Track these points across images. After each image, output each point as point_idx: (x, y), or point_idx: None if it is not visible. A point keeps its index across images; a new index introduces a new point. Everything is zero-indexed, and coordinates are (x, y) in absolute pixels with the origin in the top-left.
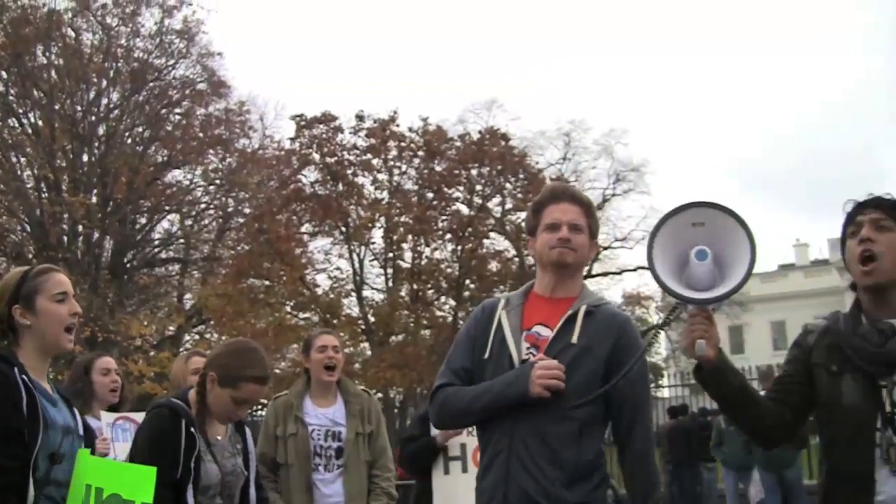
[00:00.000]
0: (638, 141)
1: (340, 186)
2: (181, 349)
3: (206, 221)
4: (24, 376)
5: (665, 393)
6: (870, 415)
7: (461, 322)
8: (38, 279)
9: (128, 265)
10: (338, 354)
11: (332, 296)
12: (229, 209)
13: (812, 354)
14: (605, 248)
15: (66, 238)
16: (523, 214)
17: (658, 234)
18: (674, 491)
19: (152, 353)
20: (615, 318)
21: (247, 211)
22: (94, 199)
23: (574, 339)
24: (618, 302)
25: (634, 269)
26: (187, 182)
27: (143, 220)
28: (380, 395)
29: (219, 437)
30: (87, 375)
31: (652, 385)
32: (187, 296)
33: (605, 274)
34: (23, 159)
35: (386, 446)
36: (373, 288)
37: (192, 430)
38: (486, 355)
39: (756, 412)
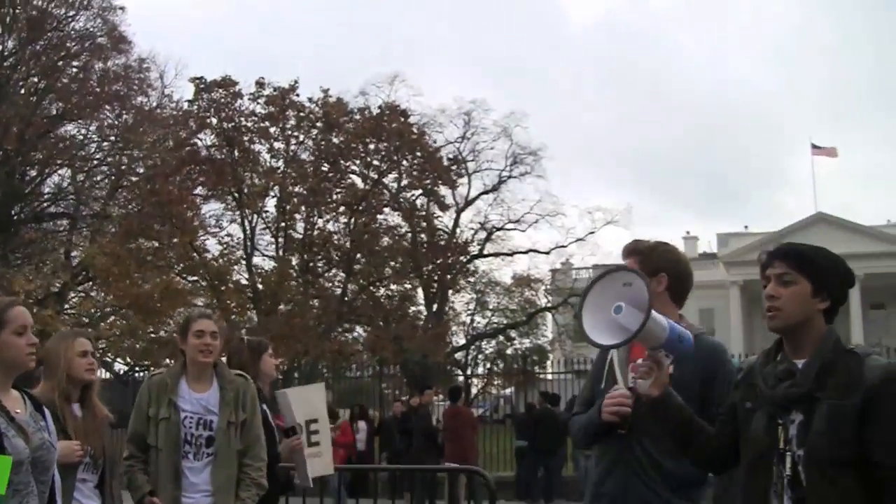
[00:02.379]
0: (537, 125)
1: (236, 152)
2: (66, 307)
3: (99, 178)
4: None
5: (549, 377)
6: (769, 450)
7: (349, 295)
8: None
9: (14, 218)
10: (215, 341)
11: (221, 261)
12: (122, 167)
13: (734, 392)
14: (499, 230)
15: None
16: (418, 192)
17: (594, 288)
18: (540, 476)
19: (35, 311)
20: (707, 348)
21: (140, 170)
22: None
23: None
24: (507, 283)
25: (526, 252)
26: (81, 137)
27: (34, 173)
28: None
29: (18, 411)
30: None
31: (536, 368)
32: (74, 253)
33: (496, 255)
34: None
35: (259, 434)
36: (264, 255)
37: None
38: (602, 385)
39: (698, 444)
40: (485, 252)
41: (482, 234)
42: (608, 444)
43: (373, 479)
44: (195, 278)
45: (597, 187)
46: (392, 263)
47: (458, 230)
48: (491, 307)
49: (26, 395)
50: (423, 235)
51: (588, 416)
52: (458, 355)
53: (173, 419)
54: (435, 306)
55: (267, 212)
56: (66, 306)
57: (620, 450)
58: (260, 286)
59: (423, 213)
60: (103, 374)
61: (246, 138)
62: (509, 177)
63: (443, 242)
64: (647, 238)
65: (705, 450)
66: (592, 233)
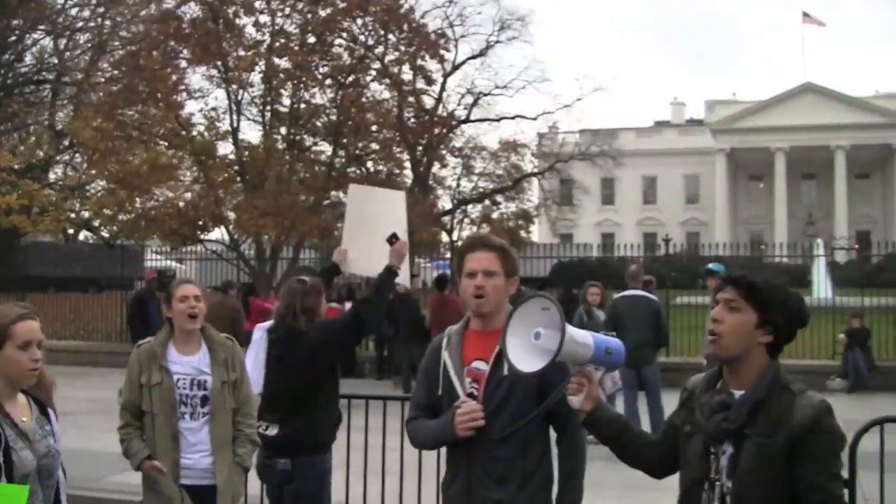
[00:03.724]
0: None
1: (221, 25)
2: (50, 176)
3: (81, 41)
4: None
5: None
6: (702, 476)
7: (336, 170)
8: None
9: None
10: (200, 303)
11: (207, 135)
12: (105, 32)
13: (676, 413)
14: (486, 95)
15: None
16: (406, 67)
17: (516, 313)
18: None
19: (20, 181)
20: None
21: (123, 34)
22: None
23: (506, 370)
24: (494, 148)
25: (512, 118)
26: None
27: (13, 39)
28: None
29: (24, 420)
30: None
31: (522, 231)
32: (58, 124)
33: (483, 120)
34: None
35: (249, 394)
36: (252, 120)
37: None
38: (440, 392)
39: (633, 451)
40: (471, 118)
41: (469, 100)
42: (456, 451)
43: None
44: (181, 153)
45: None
46: (377, 135)
47: (444, 94)
48: (477, 172)
49: (31, 398)
50: (408, 112)
51: (440, 427)
52: (444, 219)
53: (166, 383)
54: (417, 188)
55: (252, 86)
56: (52, 177)
57: (469, 457)
58: (246, 159)
59: (411, 88)
60: (90, 238)
61: (231, 10)
62: (497, 42)
63: (427, 117)
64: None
65: (641, 456)
66: (580, 99)
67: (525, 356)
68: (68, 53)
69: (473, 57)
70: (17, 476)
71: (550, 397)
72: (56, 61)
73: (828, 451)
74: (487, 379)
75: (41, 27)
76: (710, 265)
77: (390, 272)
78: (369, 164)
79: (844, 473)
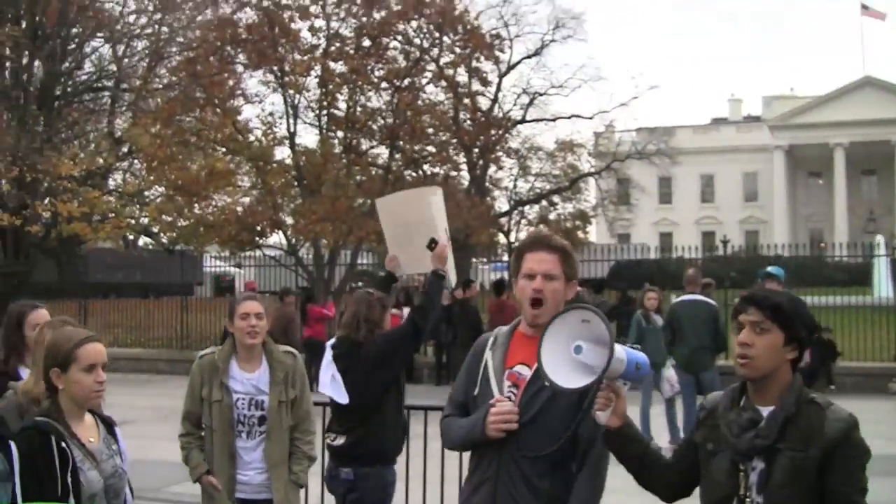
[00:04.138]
0: None
1: (277, 31)
2: (109, 183)
3: (139, 48)
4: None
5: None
6: (730, 495)
7: (392, 173)
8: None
9: (56, 101)
10: (261, 321)
11: (264, 141)
12: (162, 37)
13: (698, 432)
14: (541, 95)
15: None
16: (461, 69)
17: (552, 325)
18: None
19: (81, 188)
20: None
21: (180, 40)
22: (23, 25)
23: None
24: (550, 148)
25: (568, 117)
26: (119, 7)
27: (73, 47)
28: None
29: (92, 440)
30: (19, 329)
31: (580, 232)
32: (117, 133)
33: (538, 120)
34: None
35: (309, 410)
36: (308, 124)
37: (64, 444)
38: (476, 392)
39: (649, 476)
40: (527, 118)
41: (525, 100)
42: (484, 457)
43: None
44: (239, 159)
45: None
46: (433, 138)
47: (500, 95)
48: (534, 172)
49: (98, 418)
50: (463, 115)
51: (469, 425)
52: (501, 221)
53: (225, 401)
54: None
55: (308, 90)
56: (111, 184)
57: (497, 466)
58: (303, 164)
59: (466, 90)
60: (150, 245)
61: (286, 15)
62: (552, 41)
63: (483, 118)
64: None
65: (663, 478)
66: (636, 97)
67: (563, 371)
68: (126, 60)
69: (528, 56)
70: (84, 496)
71: (577, 417)
72: (114, 68)
73: (856, 464)
74: (527, 385)
75: (100, 35)
76: (769, 268)
77: (437, 276)
78: (426, 166)
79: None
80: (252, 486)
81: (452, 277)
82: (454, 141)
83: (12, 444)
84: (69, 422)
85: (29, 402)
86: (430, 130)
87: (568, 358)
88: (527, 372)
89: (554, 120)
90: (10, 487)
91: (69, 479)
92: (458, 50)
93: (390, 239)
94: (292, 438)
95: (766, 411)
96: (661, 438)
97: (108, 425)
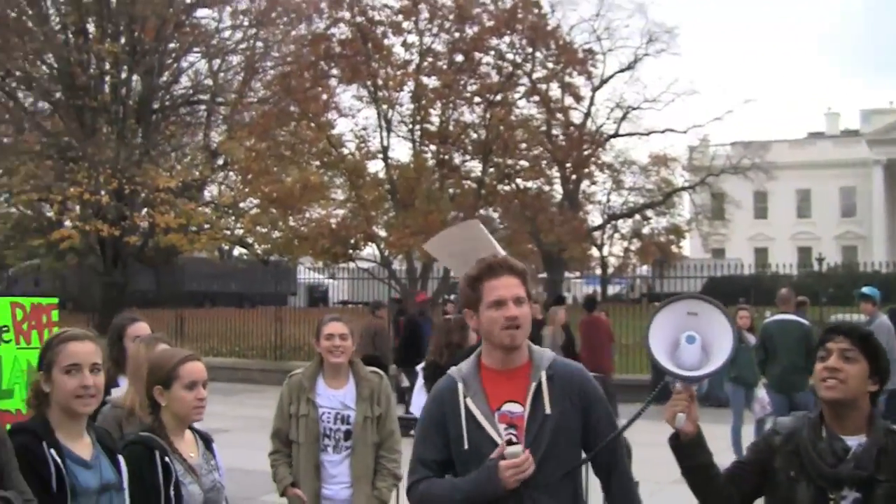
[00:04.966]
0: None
1: (370, 46)
2: (205, 194)
3: (234, 62)
4: (52, 449)
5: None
6: None
7: (485, 187)
8: (56, 349)
9: (154, 116)
10: (345, 342)
11: (358, 154)
12: (257, 52)
13: (775, 458)
14: (634, 109)
15: (93, 83)
16: (554, 84)
17: (657, 317)
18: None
19: (177, 200)
20: (573, 377)
21: (274, 54)
22: (122, 41)
23: (547, 409)
24: (643, 162)
25: (662, 131)
26: (215, 23)
27: (170, 62)
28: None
29: (192, 455)
30: (119, 341)
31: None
32: (213, 146)
33: (632, 134)
34: (50, 5)
35: (394, 429)
36: (402, 137)
37: (167, 458)
38: (466, 446)
39: (711, 489)
40: (620, 132)
41: (618, 114)
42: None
43: None
44: (332, 173)
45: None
46: (526, 153)
47: (592, 109)
48: (627, 186)
49: (197, 434)
50: (556, 130)
51: (472, 484)
52: (594, 235)
53: (312, 416)
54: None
55: (401, 105)
56: (207, 196)
57: None
58: (396, 178)
59: (559, 105)
60: (244, 255)
61: (379, 31)
62: (644, 55)
63: (576, 133)
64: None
65: (719, 494)
66: (731, 111)
67: (673, 363)
68: (222, 74)
69: (622, 70)
70: None
71: (610, 437)
72: (210, 82)
73: None
74: (528, 422)
75: (196, 50)
76: (864, 289)
77: None
78: (518, 180)
79: None
80: (337, 500)
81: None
82: (547, 155)
83: (121, 459)
84: (171, 437)
85: (126, 414)
86: (523, 145)
87: (675, 352)
88: (519, 409)
89: (647, 134)
90: (123, 497)
91: (172, 493)
92: (550, 65)
93: (454, 269)
94: (378, 456)
95: (849, 441)
96: None
97: (207, 441)
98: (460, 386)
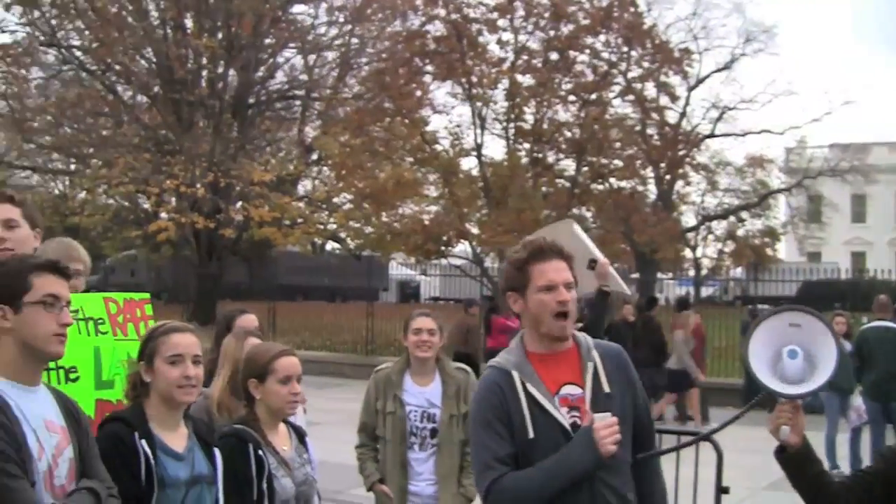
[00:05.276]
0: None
1: (465, 43)
2: (299, 189)
3: (329, 58)
4: (143, 440)
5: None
6: None
7: (578, 186)
8: (159, 339)
9: (250, 110)
10: (433, 337)
11: (451, 151)
12: (352, 48)
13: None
14: (730, 109)
15: (190, 78)
16: (650, 83)
17: (758, 329)
18: None
19: (272, 194)
20: (619, 357)
21: (370, 50)
22: (219, 36)
23: (606, 388)
24: (739, 163)
25: (759, 132)
26: (311, 19)
27: (265, 57)
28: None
29: (285, 448)
30: (227, 332)
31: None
32: (307, 141)
33: (727, 135)
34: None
35: None
36: (495, 135)
37: (260, 451)
38: (531, 435)
39: (831, 495)
40: (716, 132)
41: (713, 114)
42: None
43: None
44: (426, 169)
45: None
46: (620, 152)
47: (688, 109)
48: (722, 188)
49: (291, 428)
50: (651, 130)
51: (563, 462)
52: (688, 236)
53: (399, 413)
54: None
55: (496, 103)
56: (301, 190)
57: (592, 492)
58: (490, 176)
59: (654, 104)
60: (337, 250)
61: (474, 28)
62: (742, 55)
63: (671, 133)
64: None
65: (837, 501)
66: (829, 113)
67: (775, 378)
68: (317, 70)
69: (718, 70)
70: (277, 502)
71: (698, 438)
72: (306, 78)
73: None
74: (592, 404)
75: (292, 45)
76: None
77: (602, 294)
78: (612, 180)
79: None
80: (423, 497)
81: (624, 287)
82: (641, 155)
83: (216, 452)
84: (264, 430)
85: (217, 406)
86: (618, 144)
87: (776, 365)
88: (577, 391)
89: (743, 135)
90: (214, 491)
91: (264, 486)
92: (646, 64)
93: None
94: (464, 453)
95: None
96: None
97: (300, 435)
98: (516, 374)
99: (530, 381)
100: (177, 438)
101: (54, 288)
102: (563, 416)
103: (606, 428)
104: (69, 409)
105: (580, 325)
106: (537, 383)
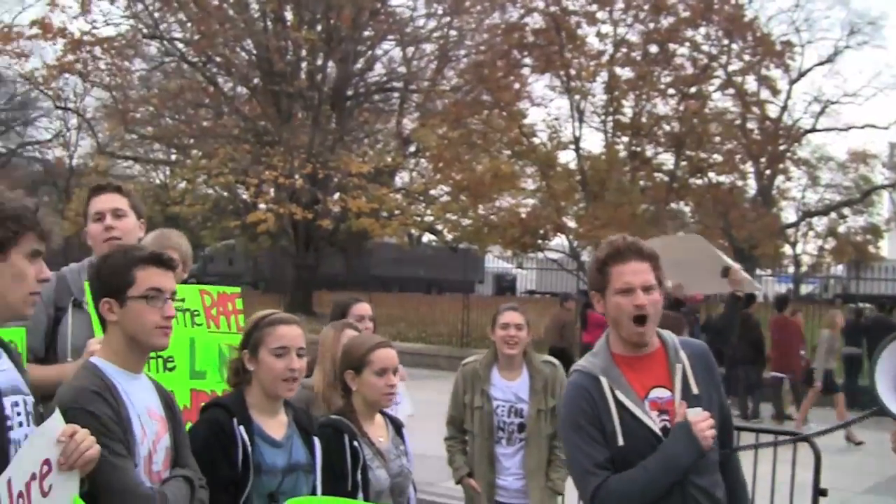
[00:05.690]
0: None
1: (563, 36)
2: (396, 180)
3: (428, 50)
4: (241, 426)
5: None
6: None
7: (677, 180)
8: (264, 330)
9: (348, 102)
10: (520, 332)
11: (549, 145)
12: (451, 40)
13: None
14: (833, 103)
15: (289, 70)
16: (750, 77)
17: (885, 351)
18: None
19: (369, 185)
20: (704, 355)
21: (468, 43)
22: (318, 28)
23: (695, 390)
24: (841, 158)
25: (862, 127)
26: (409, 11)
27: (364, 49)
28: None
29: (381, 439)
30: (343, 319)
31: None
32: (405, 133)
33: (830, 129)
34: None
35: None
36: (594, 128)
37: (356, 442)
38: (621, 442)
39: None
40: (818, 127)
41: (815, 108)
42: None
43: None
44: (523, 162)
45: None
46: (720, 146)
47: (789, 102)
48: (823, 183)
49: (388, 419)
50: (751, 124)
51: (662, 461)
52: (788, 232)
53: (486, 409)
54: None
55: (594, 96)
56: (398, 182)
57: (683, 494)
58: (588, 169)
59: (755, 98)
60: (433, 242)
61: (573, 21)
62: (845, 47)
63: (772, 127)
64: None
65: None
66: None
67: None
68: (415, 62)
69: (821, 63)
70: (372, 493)
71: (807, 434)
72: (404, 70)
73: None
74: (680, 405)
75: (390, 38)
76: None
77: (734, 297)
78: (711, 174)
79: None
80: (510, 491)
81: (757, 287)
82: (741, 149)
83: (316, 440)
84: (361, 421)
85: (315, 396)
86: (717, 138)
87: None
88: (666, 394)
89: (846, 129)
90: (311, 479)
91: (359, 477)
92: (746, 57)
93: (671, 277)
94: (552, 447)
95: None
96: None
97: (397, 426)
98: (604, 380)
99: (619, 386)
100: (276, 426)
101: (157, 281)
102: (654, 421)
103: (703, 421)
104: (167, 400)
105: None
106: (626, 389)
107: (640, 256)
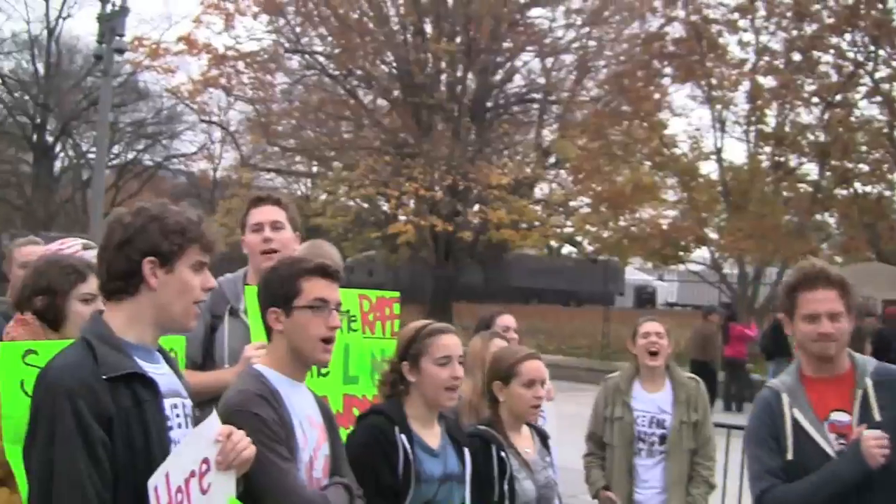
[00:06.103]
0: None
1: (704, 45)
2: (536, 192)
3: (567, 61)
4: (403, 435)
5: None
6: None
7: (821, 191)
8: (426, 340)
9: (488, 114)
10: (661, 340)
11: (691, 155)
12: (590, 51)
13: None
14: None
15: (429, 82)
16: None
17: None
18: None
19: (509, 197)
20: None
21: (607, 53)
22: (458, 40)
23: (877, 416)
24: None
25: None
26: (548, 22)
27: (503, 60)
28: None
29: (528, 450)
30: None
31: None
32: (545, 144)
33: None
34: (389, 6)
35: (710, 436)
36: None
37: (503, 453)
38: (790, 457)
39: None
40: None
41: None
42: None
43: None
44: (664, 173)
45: None
46: (867, 156)
47: None
48: None
49: (534, 430)
50: None
51: (829, 475)
52: None
53: (626, 419)
54: None
55: (736, 105)
56: (538, 193)
57: None
58: (730, 180)
59: None
60: (572, 253)
61: (714, 29)
62: None
63: None
64: None
65: None
66: None
67: None
68: (554, 73)
69: None
70: (518, 503)
71: None
72: (543, 81)
73: None
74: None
75: (529, 49)
76: None
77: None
78: (857, 185)
79: None
80: None
81: None
82: (889, 159)
83: (466, 451)
84: (507, 432)
85: (464, 406)
86: (864, 147)
87: None
88: (846, 418)
89: None
90: (464, 488)
91: (506, 487)
92: (895, 63)
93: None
94: (693, 462)
95: None
96: None
97: (543, 437)
98: (784, 397)
99: (798, 405)
100: (432, 436)
101: (323, 292)
102: (830, 444)
103: (875, 440)
104: (325, 410)
105: None
106: (805, 409)
107: (829, 284)
